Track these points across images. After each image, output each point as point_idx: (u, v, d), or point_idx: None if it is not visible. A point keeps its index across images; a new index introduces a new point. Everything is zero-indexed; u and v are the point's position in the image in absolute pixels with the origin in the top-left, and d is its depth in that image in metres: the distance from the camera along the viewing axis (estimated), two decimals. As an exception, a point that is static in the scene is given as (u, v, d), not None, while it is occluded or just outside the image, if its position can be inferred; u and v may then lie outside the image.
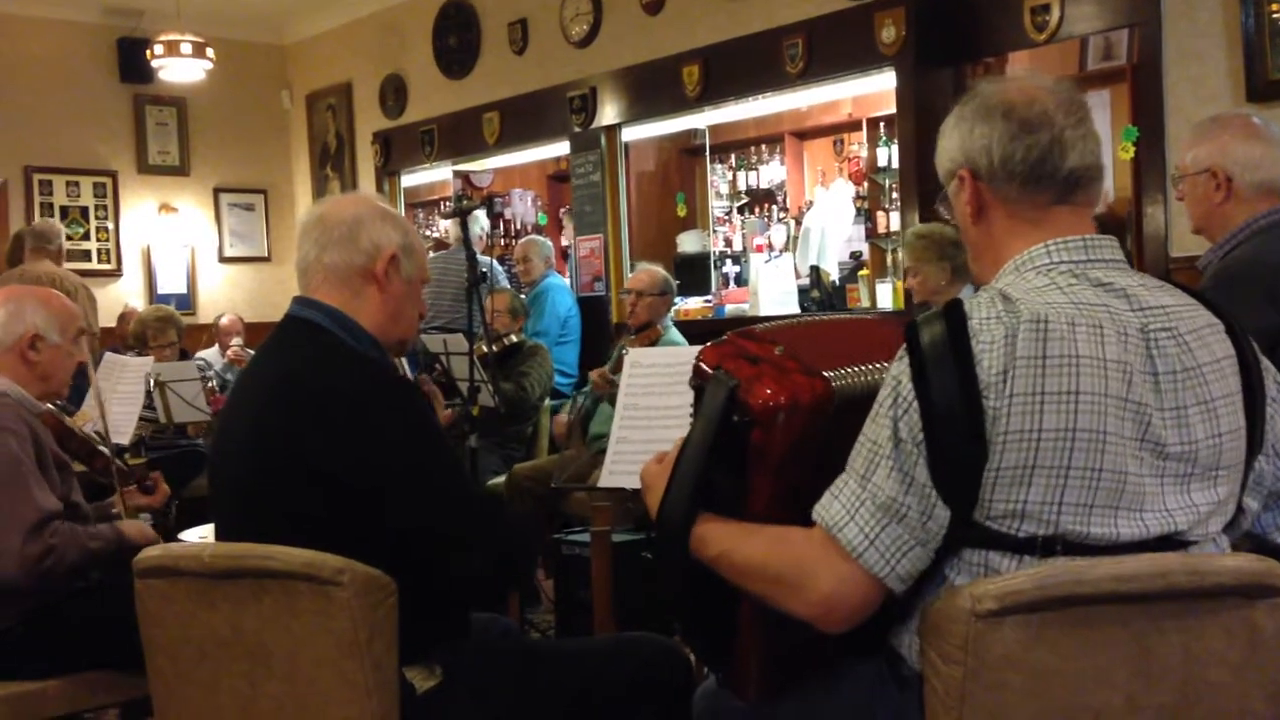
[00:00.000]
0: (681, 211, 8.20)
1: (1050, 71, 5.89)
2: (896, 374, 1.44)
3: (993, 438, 1.38)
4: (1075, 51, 5.99)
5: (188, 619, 1.85)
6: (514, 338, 5.47)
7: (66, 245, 6.87)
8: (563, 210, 8.55)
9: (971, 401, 1.38)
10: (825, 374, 1.54)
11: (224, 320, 7.33)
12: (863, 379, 1.58)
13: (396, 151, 8.44)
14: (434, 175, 8.67)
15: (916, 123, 5.32)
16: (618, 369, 4.62)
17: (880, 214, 6.98)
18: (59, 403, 2.98)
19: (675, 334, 4.99)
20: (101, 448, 2.86)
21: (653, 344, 4.75)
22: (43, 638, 2.49)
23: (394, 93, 8.44)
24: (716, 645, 1.70)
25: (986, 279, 1.58)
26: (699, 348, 1.71)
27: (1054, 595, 1.37)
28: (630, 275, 5.01)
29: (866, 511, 1.42)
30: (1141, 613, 1.39)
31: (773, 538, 1.50)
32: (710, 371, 1.58)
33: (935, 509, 1.41)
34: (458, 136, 7.92)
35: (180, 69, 7.63)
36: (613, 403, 4.60)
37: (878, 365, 1.58)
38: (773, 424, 1.49)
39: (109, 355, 5.07)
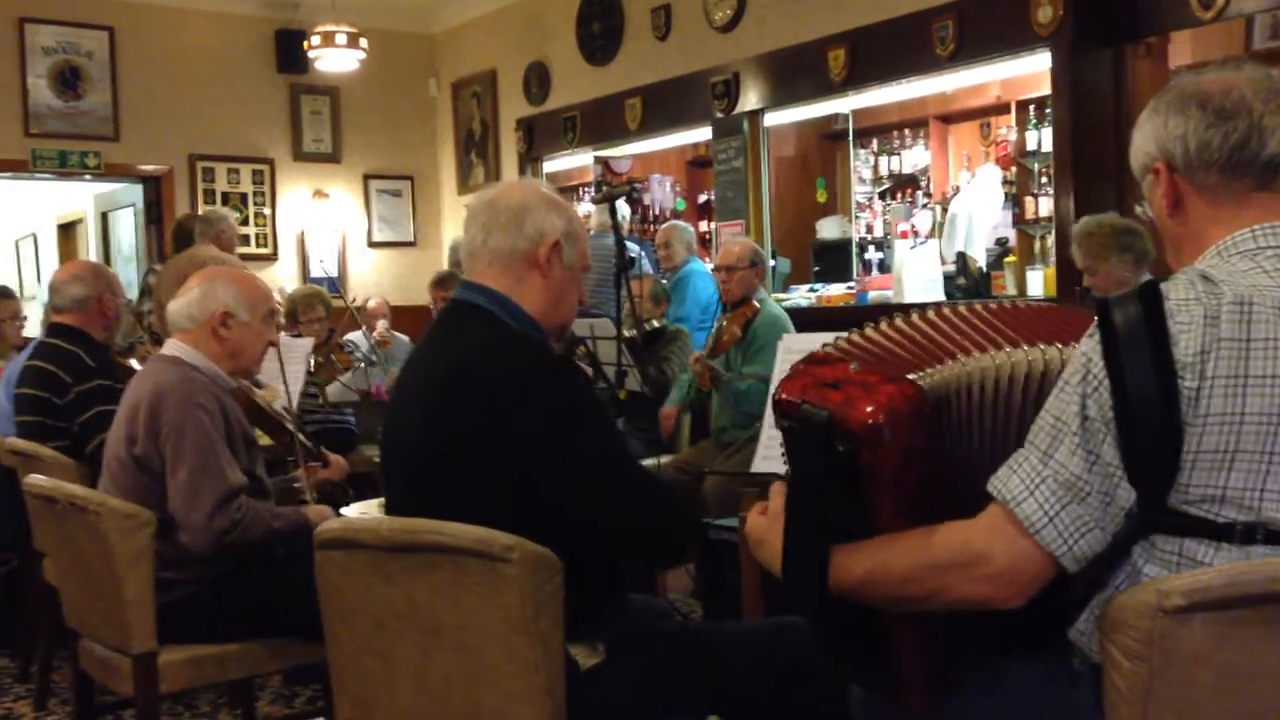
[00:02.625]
0: (822, 197, 8.14)
1: (1214, 52, 5.67)
2: (1086, 351, 1.41)
3: (1190, 420, 1.36)
4: (1241, 30, 5.74)
5: (364, 590, 1.92)
6: (655, 323, 5.50)
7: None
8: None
9: (1167, 382, 1.35)
10: (910, 377, 1.52)
11: (371, 303, 7.55)
12: (954, 372, 1.55)
13: (539, 138, 8.55)
14: (575, 161, 8.77)
15: (1073, 105, 5.17)
16: (714, 352, 4.60)
17: (1028, 199, 6.81)
18: (248, 380, 3.10)
19: (772, 306, 4.84)
20: (287, 424, 2.98)
21: (749, 320, 4.63)
22: (223, 604, 2.61)
23: (538, 80, 8.56)
24: (872, 669, 1.67)
25: None
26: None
27: (1246, 593, 1.33)
28: (720, 251, 4.87)
29: (1047, 488, 1.40)
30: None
31: (924, 534, 1.48)
32: (796, 408, 1.54)
33: (1118, 490, 1.38)
34: (600, 122, 7.99)
35: (335, 59, 7.87)
36: (714, 387, 4.59)
37: (976, 356, 1.55)
38: (879, 441, 1.47)
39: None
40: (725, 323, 4.67)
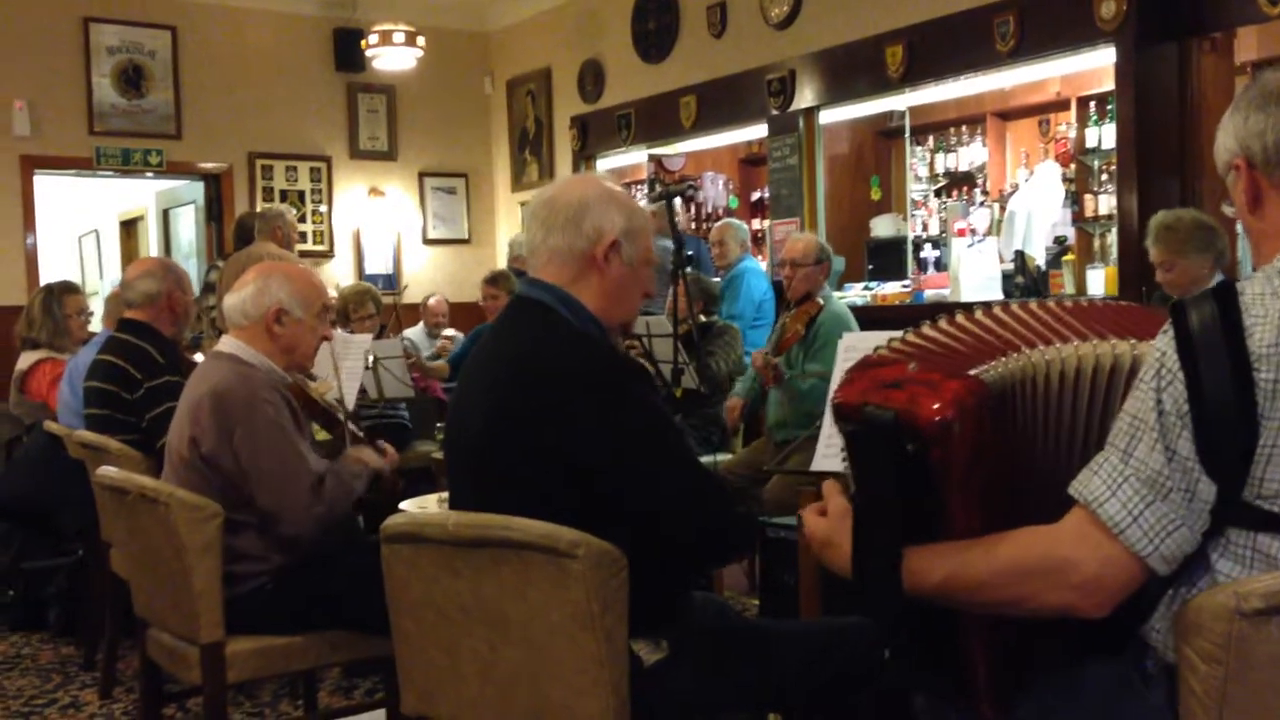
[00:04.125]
0: (876, 195, 8.08)
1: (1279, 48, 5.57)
2: (1161, 347, 1.41)
3: (1266, 413, 1.35)
4: (1309, 25, 5.63)
5: (431, 584, 1.94)
6: (702, 318, 5.49)
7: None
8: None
9: (1241, 375, 1.34)
10: (971, 372, 1.50)
11: (431, 300, 7.63)
12: (1016, 365, 1.53)
13: (593, 135, 8.58)
14: (628, 159, 8.78)
15: (1137, 101, 5.10)
16: (778, 349, 4.57)
17: (1088, 197, 6.72)
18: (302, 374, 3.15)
19: (837, 304, 4.79)
20: (340, 415, 3.02)
21: (812, 318, 4.57)
22: (289, 597, 2.65)
23: (592, 78, 8.58)
24: (943, 672, 1.65)
25: None
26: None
27: (1327, 596, 1.31)
28: (786, 245, 4.81)
29: (1130, 487, 1.39)
30: None
31: (1008, 539, 1.47)
32: (859, 410, 1.52)
33: (1199, 485, 1.37)
34: (654, 120, 7.99)
35: (392, 57, 7.95)
36: (778, 384, 4.56)
37: (1035, 349, 1.54)
38: (949, 438, 1.45)
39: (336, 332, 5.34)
40: (788, 320, 4.63)
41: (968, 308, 1.72)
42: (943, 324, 1.66)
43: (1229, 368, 1.35)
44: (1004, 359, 1.54)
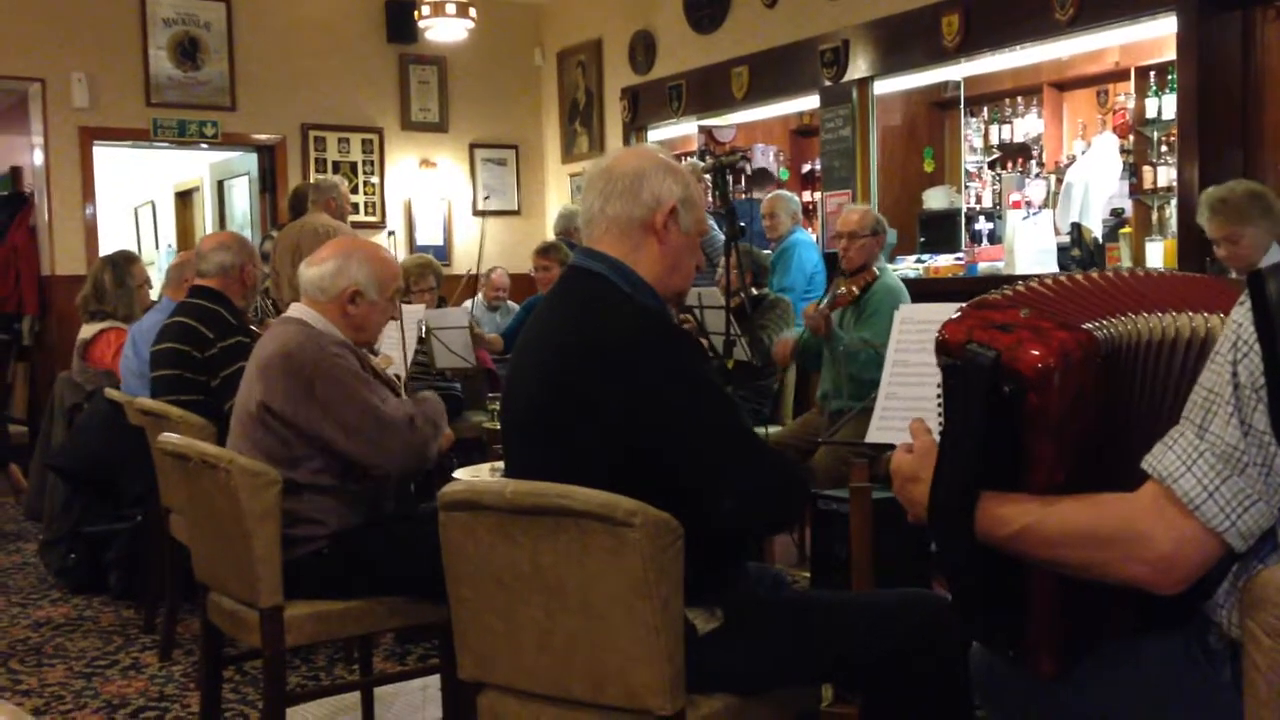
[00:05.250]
0: (929, 167, 7.99)
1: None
2: (1237, 319, 1.38)
3: None
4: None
5: (488, 551, 1.96)
6: (754, 291, 5.48)
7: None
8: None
9: None
10: (1084, 326, 1.49)
11: (495, 274, 7.67)
12: (1126, 328, 1.52)
13: (644, 107, 8.55)
14: (679, 130, 8.75)
15: (1199, 71, 5.01)
16: (832, 305, 4.56)
17: (1146, 169, 6.61)
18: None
19: (891, 277, 4.75)
20: (400, 391, 3.06)
21: (867, 286, 4.56)
22: (346, 562, 2.69)
23: (643, 48, 8.54)
24: (1004, 625, 1.65)
25: None
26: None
27: (1398, 573, 1.29)
28: (841, 216, 4.78)
29: (1205, 462, 1.37)
30: None
31: (1090, 501, 1.46)
32: (962, 345, 1.51)
33: (1276, 459, 1.35)
34: (705, 91, 7.95)
35: (444, 29, 7.95)
36: (825, 337, 4.55)
37: (1143, 315, 1.52)
38: (1048, 385, 1.44)
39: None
40: (843, 282, 4.63)
41: (1023, 280, 1.71)
42: (1060, 279, 1.66)
43: None
44: (1116, 319, 1.53)
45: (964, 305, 1.61)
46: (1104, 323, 1.52)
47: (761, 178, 8.63)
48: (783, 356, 5.10)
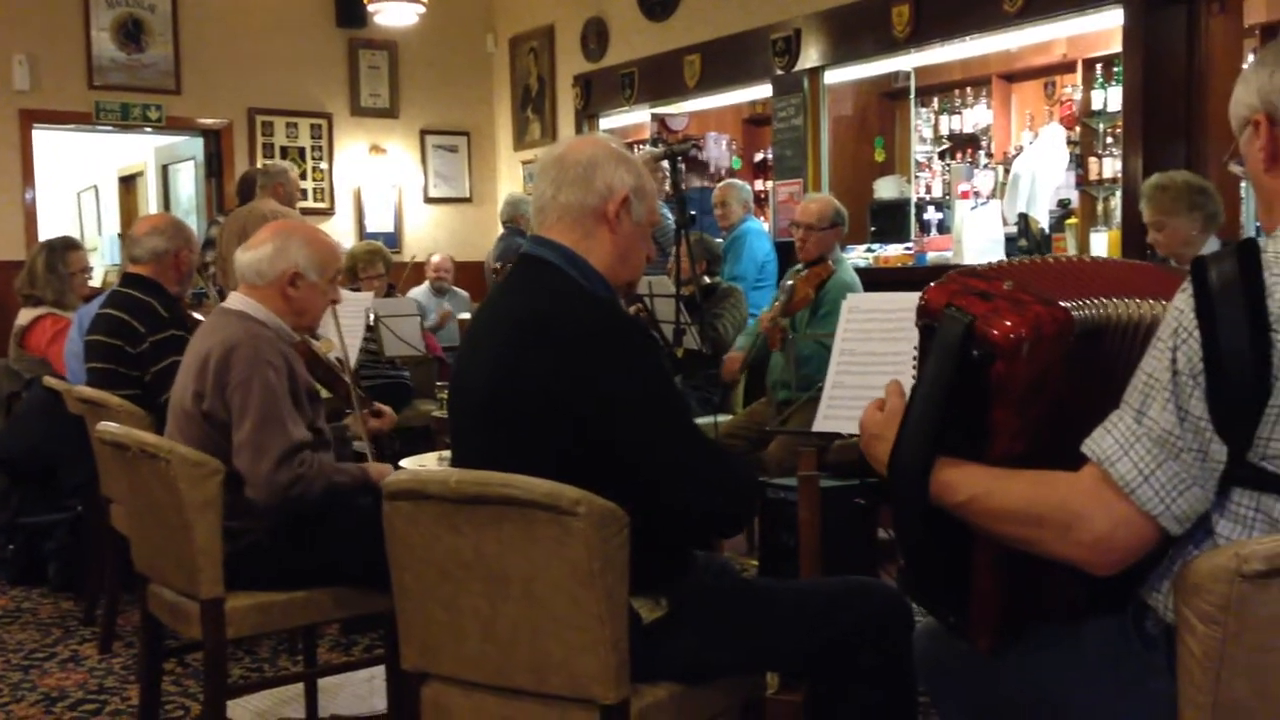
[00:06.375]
0: (880, 156, 8.04)
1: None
2: (1179, 305, 1.40)
3: (1278, 373, 1.34)
4: (1321, -14, 5.58)
5: (432, 540, 1.94)
6: (706, 280, 5.48)
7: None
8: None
9: (1259, 335, 1.34)
10: (1063, 304, 1.51)
11: (435, 258, 7.61)
12: (1102, 310, 1.55)
13: (596, 94, 8.52)
14: (631, 118, 8.72)
15: (1145, 64, 5.06)
16: (787, 311, 4.56)
17: (1092, 160, 6.70)
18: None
19: (847, 271, 4.76)
20: (343, 375, 3.02)
21: (823, 281, 4.54)
22: (288, 553, 2.65)
23: (595, 35, 8.51)
24: (948, 593, 1.68)
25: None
26: (915, 294, 1.68)
27: (1330, 559, 1.31)
28: (800, 207, 4.78)
29: (1142, 446, 1.39)
30: None
31: (1034, 479, 1.48)
32: (941, 309, 1.55)
33: (1211, 445, 1.37)
34: (658, 79, 7.93)
35: (394, 13, 7.88)
36: (784, 350, 4.55)
37: (1118, 299, 1.55)
38: (1016, 356, 1.47)
39: (331, 289, 5.32)
40: (799, 282, 4.62)
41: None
42: (1050, 259, 1.69)
43: (1246, 326, 1.34)
44: (1096, 300, 1.56)
45: (950, 273, 1.65)
46: (1083, 303, 1.54)
47: (696, 167, 8.62)
48: (731, 373, 5.10)
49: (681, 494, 1.96)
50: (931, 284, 1.63)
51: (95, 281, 5.97)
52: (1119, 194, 5.69)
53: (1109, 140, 6.57)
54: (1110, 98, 6.40)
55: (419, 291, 7.43)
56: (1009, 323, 1.47)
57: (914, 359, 1.67)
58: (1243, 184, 3.96)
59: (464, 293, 7.67)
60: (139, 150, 10.34)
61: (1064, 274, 1.65)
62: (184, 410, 2.71)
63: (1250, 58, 5.23)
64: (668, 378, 2.03)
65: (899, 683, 2.04)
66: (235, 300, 2.81)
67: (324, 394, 2.99)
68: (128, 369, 3.72)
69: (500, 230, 7.55)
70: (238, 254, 2.83)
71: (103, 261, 10.35)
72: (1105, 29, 5.89)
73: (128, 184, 11.16)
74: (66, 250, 5.14)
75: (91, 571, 4.19)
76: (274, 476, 2.58)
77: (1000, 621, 1.63)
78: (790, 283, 4.46)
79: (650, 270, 5.44)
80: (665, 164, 5.35)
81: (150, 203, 10.36)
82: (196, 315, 4.06)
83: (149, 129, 8.56)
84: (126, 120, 8.29)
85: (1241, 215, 4.29)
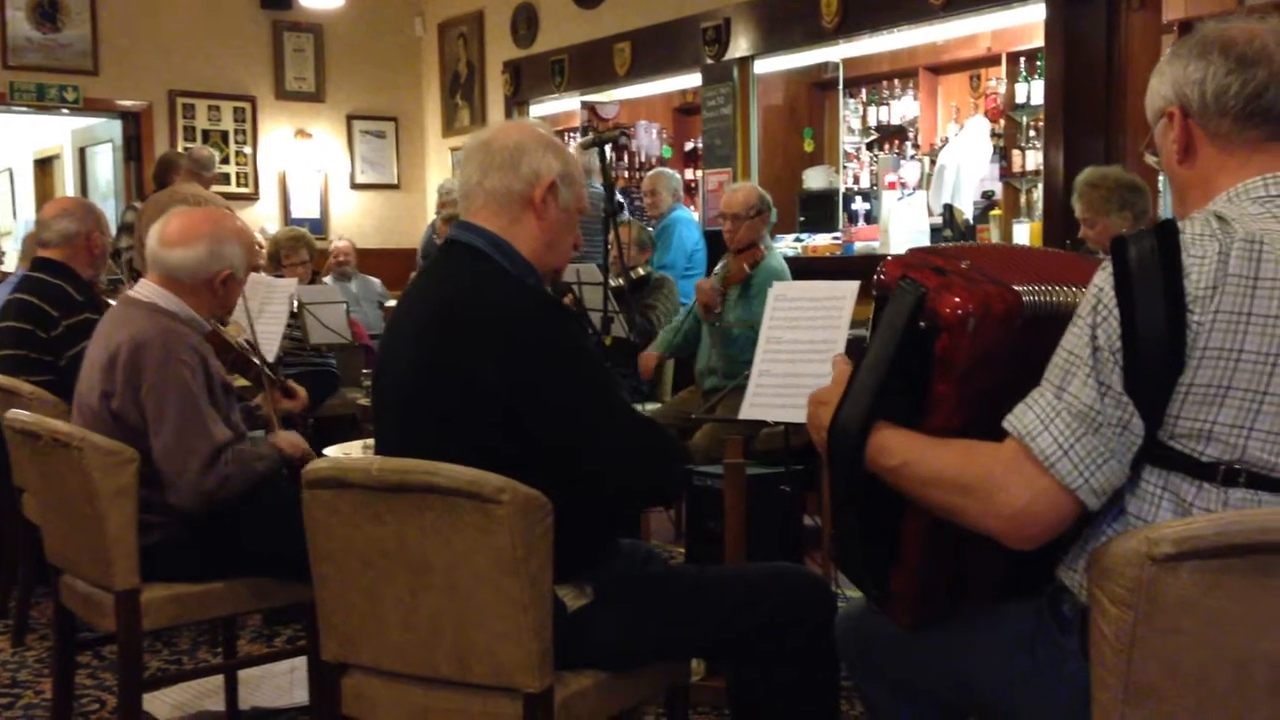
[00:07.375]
0: (809, 147, 8.09)
1: (1207, 7, 5.63)
2: (1099, 283, 1.43)
3: (1191, 353, 1.37)
4: (1237, -16, 5.70)
5: (353, 529, 1.91)
6: (641, 270, 5.48)
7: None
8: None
9: (1175, 315, 1.36)
10: (1016, 288, 1.54)
11: (339, 243, 7.50)
12: (1052, 297, 1.57)
13: (526, 81, 8.47)
14: (562, 106, 8.69)
15: (1065, 58, 5.15)
16: (725, 281, 4.61)
17: (1016, 153, 6.80)
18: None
19: (776, 258, 4.80)
20: (253, 358, 2.97)
21: (755, 264, 4.60)
22: (205, 544, 2.60)
23: (525, 22, 8.45)
24: (875, 567, 1.70)
25: None
26: (846, 283, 1.70)
27: (1236, 542, 1.34)
28: (724, 198, 4.82)
29: (1062, 421, 1.41)
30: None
31: (962, 448, 1.50)
32: (895, 280, 1.58)
33: (1132, 420, 1.40)
34: (588, 67, 7.90)
35: (319, -5, 7.77)
36: (715, 316, 4.59)
37: (1068, 287, 1.58)
38: (962, 330, 1.49)
39: (252, 275, 5.22)
40: (732, 259, 4.68)
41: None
42: (1011, 246, 1.71)
43: (1164, 305, 1.37)
44: (1047, 286, 1.58)
45: (913, 248, 1.69)
46: (1035, 288, 1.57)
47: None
48: (646, 370, 5.11)
49: (609, 463, 1.96)
50: (891, 257, 1.67)
51: (9, 267, 5.80)
52: (1041, 186, 5.79)
53: (1032, 133, 6.68)
54: (1033, 91, 6.50)
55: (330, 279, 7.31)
56: (958, 299, 1.50)
57: (870, 325, 1.69)
58: (1160, 176, 4.06)
59: (375, 280, 7.55)
60: (55, 132, 10.08)
61: (1023, 260, 1.68)
62: (90, 409, 2.63)
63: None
64: (593, 356, 2.03)
65: (821, 665, 2.06)
66: (145, 289, 2.72)
67: (240, 381, 2.93)
68: (40, 354, 3.64)
69: (431, 217, 7.49)
70: (157, 246, 2.74)
71: (16, 247, 10.08)
72: (1028, 23, 5.98)
73: (44, 167, 10.87)
74: (-26, 234, 5.00)
75: (3, 563, 4.08)
76: (200, 482, 2.52)
77: (922, 596, 1.65)
78: (725, 261, 4.52)
79: (580, 258, 5.44)
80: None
81: (67, 186, 10.10)
82: (111, 301, 3.97)
83: (65, 110, 8.35)
84: (42, 101, 8.08)
85: (1159, 207, 4.38)
